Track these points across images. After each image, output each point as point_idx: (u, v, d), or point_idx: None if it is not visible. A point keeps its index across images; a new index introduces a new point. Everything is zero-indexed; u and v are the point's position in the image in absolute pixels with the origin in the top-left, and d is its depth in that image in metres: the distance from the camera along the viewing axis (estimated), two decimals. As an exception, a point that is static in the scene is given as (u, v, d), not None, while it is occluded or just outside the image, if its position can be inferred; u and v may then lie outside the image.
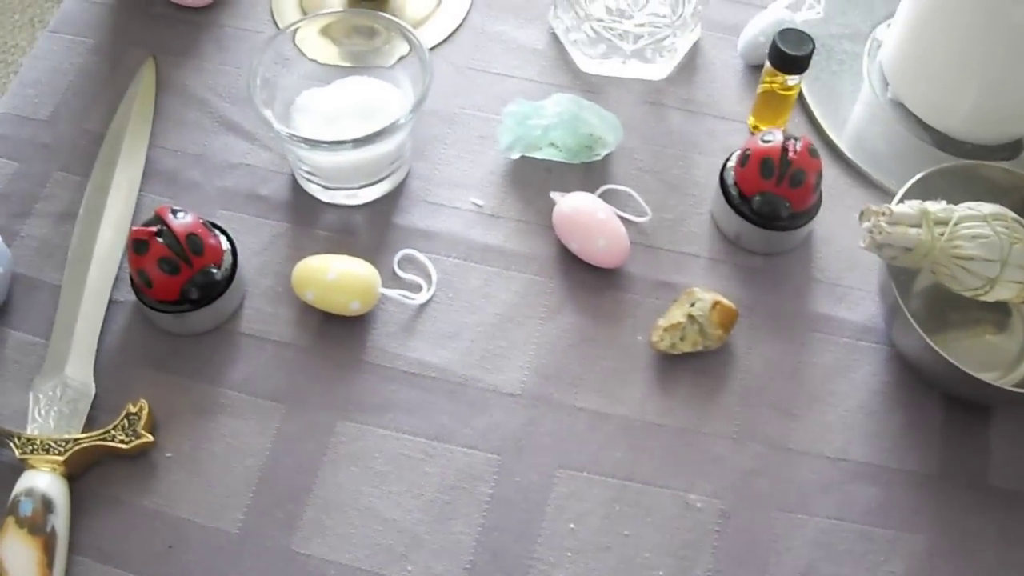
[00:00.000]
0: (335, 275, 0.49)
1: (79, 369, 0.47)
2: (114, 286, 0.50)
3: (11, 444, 0.44)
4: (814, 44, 0.53)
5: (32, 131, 0.56)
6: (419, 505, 0.45)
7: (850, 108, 0.60)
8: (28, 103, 0.57)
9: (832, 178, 0.56)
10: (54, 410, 0.46)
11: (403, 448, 0.46)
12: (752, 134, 0.56)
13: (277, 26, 0.61)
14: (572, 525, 0.45)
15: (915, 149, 0.58)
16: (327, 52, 0.55)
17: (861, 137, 0.58)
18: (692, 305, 0.49)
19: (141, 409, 0.46)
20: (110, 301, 0.49)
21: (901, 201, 0.49)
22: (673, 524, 0.45)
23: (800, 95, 0.59)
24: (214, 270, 0.47)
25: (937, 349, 0.45)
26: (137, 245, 0.46)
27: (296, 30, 0.53)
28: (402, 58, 0.53)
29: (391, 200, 0.54)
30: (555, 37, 0.61)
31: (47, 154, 0.55)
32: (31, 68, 0.59)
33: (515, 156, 0.55)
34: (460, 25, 0.62)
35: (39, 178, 0.54)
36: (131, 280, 0.48)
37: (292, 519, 0.44)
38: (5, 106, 0.57)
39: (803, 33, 0.53)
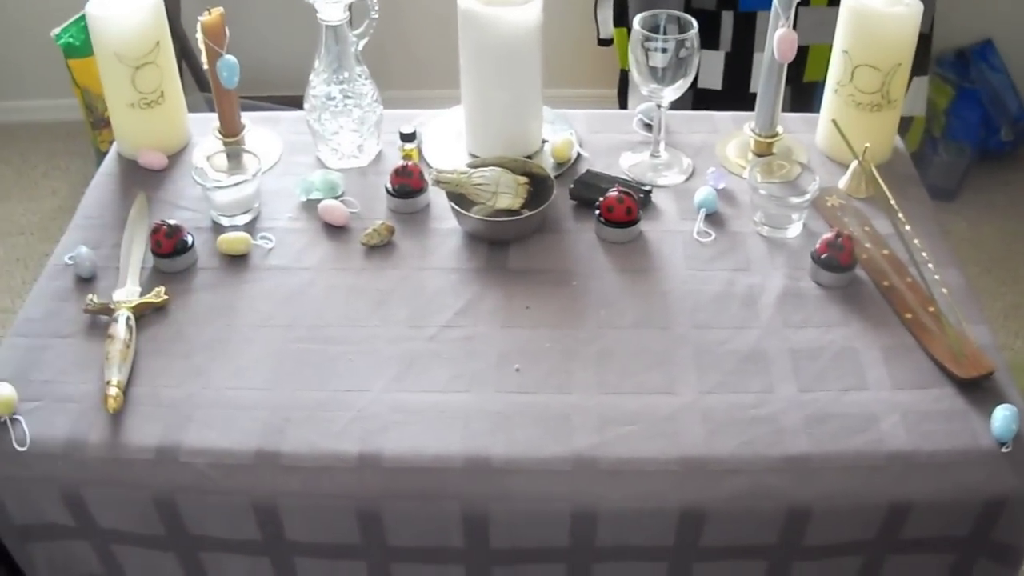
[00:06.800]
0: (232, 238, 1.22)
1: (132, 285, 1.18)
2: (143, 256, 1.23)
3: (109, 306, 1.14)
4: (415, 134, 1.32)
5: (97, 226, 1.29)
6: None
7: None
8: (94, 211, 1.32)
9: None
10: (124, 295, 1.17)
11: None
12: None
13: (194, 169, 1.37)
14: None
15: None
16: (218, 167, 1.31)
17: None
18: (374, 229, 1.24)
19: (161, 289, 1.17)
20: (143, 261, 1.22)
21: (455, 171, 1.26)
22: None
23: (420, 152, 1.38)
24: (185, 239, 1.21)
25: (478, 217, 1.22)
26: (155, 229, 1.19)
27: (202, 167, 1.29)
28: (254, 173, 1.30)
29: (254, 220, 1.29)
30: (319, 159, 1.39)
31: (106, 229, 1.28)
32: (88, 203, 1.34)
33: (303, 197, 1.31)
34: (281, 155, 1.40)
35: (105, 233, 1.27)
36: (151, 249, 1.21)
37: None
38: (78, 224, 1.31)
39: (414, 132, 1.33)
